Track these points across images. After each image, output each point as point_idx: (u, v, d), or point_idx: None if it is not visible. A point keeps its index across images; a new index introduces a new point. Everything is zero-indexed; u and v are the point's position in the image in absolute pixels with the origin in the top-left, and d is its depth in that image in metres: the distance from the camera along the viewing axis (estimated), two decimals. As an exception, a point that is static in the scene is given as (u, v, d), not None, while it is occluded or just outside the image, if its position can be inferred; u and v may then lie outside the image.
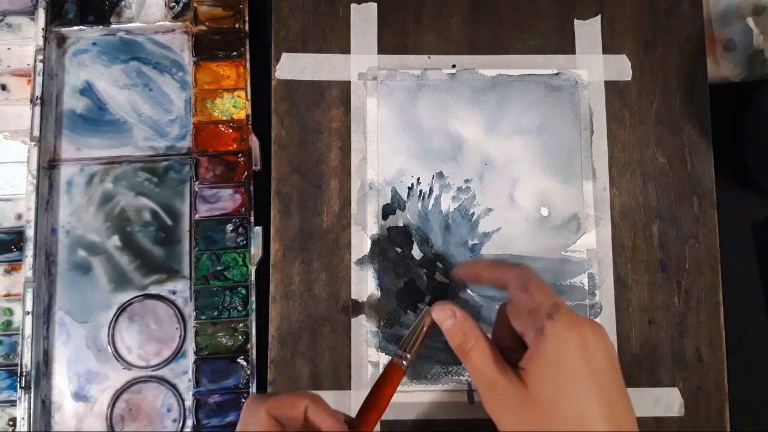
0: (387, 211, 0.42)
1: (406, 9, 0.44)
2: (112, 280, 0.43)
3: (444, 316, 0.32)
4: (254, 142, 0.43)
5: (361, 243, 0.42)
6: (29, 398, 0.40)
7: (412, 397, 0.40)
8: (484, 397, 0.30)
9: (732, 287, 0.43)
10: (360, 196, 0.42)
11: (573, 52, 0.44)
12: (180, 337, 0.42)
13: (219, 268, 0.42)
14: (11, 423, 0.41)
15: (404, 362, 0.32)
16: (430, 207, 0.42)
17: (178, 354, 0.42)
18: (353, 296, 0.41)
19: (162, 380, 0.42)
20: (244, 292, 0.41)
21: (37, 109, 0.42)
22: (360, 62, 0.43)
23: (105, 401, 0.41)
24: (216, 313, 0.41)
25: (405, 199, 0.42)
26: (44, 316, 0.42)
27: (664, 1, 0.44)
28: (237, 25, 0.44)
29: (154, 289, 0.43)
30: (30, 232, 0.41)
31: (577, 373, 0.28)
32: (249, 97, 0.43)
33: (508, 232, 0.42)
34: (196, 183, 0.43)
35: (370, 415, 0.31)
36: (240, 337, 0.41)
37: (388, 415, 0.40)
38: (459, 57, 0.44)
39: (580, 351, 0.28)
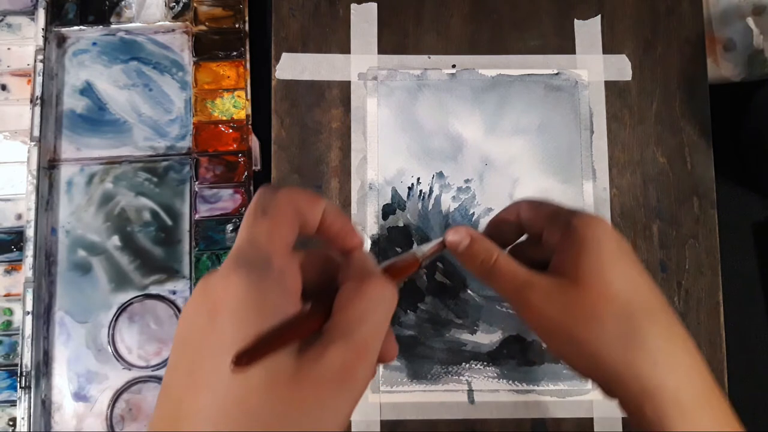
0: (387, 211, 0.42)
1: (406, 9, 0.44)
2: (112, 280, 0.43)
3: (459, 237, 0.30)
4: (254, 142, 0.43)
5: (361, 243, 0.42)
6: (29, 398, 0.40)
7: (412, 397, 0.40)
8: (522, 302, 0.28)
9: (732, 287, 0.43)
10: (360, 196, 0.42)
11: (573, 52, 0.44)
12: (180, 337, 0.42)
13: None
14: (11, 423, 0.41)
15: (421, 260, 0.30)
16: (430, 207, 0.42)
17: (178, 354, 0.42)
18: (353, 296, 0.41)
19: (162, 380, 0.42)
20: (244, 292, 0.41)
21: (37, 109, 0.42)
22: (360, 62, 0.43)
23: (105, 401, 0.41)
24: (216, 313, 0.41)
25: (405, 199, 0.42)
26: (44, 316, 0.42)
27: (664, 1, 0.44)
28: (237, 25, 0.44)
29: (154, 289, 0.43)
30: (30, 232, 0.41)
31: (616, 253, 0.28)
32: (249, 97, 0.43)
33: (508, 232, 0.42)
34: (196, 183, 0.43)
35: (395, 272, 0.28)
36: (240, 337, 0.41)
37: (388, 415, 0.40)
38: (459, 57, 0.44)
39: (611, 235, 0.28)
